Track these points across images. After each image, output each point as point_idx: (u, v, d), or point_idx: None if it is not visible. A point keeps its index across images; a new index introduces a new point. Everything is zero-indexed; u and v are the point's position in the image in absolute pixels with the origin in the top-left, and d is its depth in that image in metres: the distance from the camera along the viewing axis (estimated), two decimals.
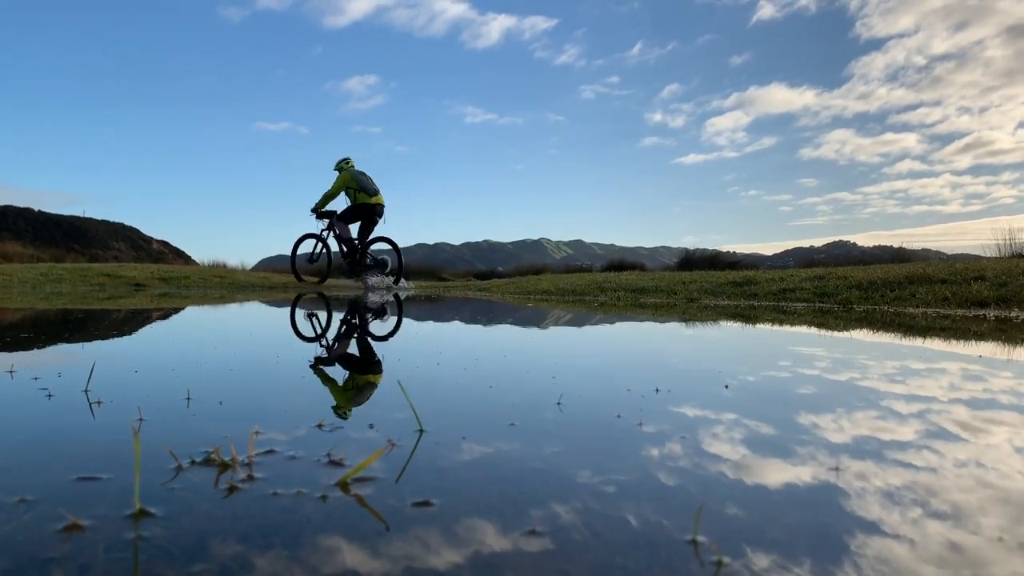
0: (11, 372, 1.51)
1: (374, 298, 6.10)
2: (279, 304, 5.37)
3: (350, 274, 8.68)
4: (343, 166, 8.35)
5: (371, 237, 8.40)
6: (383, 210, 8.30)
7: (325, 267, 8.88)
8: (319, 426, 1.04)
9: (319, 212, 8.47)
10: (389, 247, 8.48)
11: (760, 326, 3.32)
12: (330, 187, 8.31)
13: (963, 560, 0.60)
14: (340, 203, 8.45)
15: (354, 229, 8.39)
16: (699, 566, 0.58)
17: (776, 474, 0.85)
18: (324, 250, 8.68)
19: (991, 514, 0.71)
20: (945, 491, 0.79)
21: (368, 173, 8.28)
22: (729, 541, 0.63)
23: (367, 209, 8.20)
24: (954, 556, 0.61)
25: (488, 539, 0.63)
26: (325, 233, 8.58)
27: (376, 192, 8.22)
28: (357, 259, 8.38)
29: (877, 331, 3.00)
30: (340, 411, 1.19)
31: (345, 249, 8.41)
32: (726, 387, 1.47)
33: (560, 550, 0.61)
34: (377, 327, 3.23)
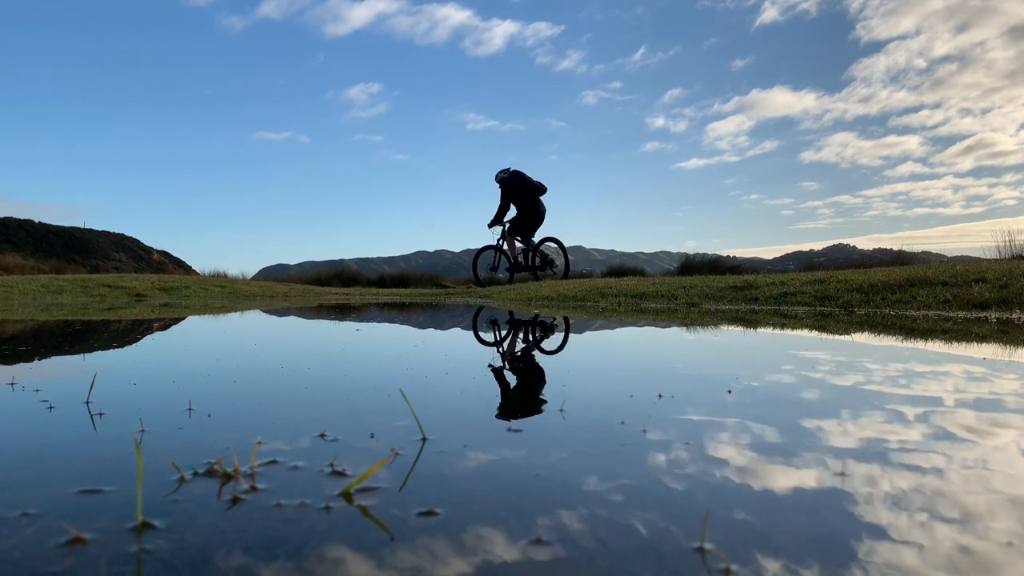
0: (12, 384, 1.50)
1: None
2: (280, 313, 5.37)
3: None
4: None
5: None
6: None
7: None
8: (321, 435, 1.03)
9: None
10: None
11: (762, 330, 3.32)
12: None
13: (973, 566, 0.59)
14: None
15: None
16: (707, 574, 0.57)
17: (782, 479, 0.84)
18: None
19: (1000, 518, 0.71)
20: (953, 495, 0.78)
21: None
22: (737, 548, 0.62)
23: None
24: (964, 561, 0.60)
25: (494, 548, 0.62)
26: None
27: None
28: None
29: (879, 334, 2.99)
30: (342, 420, 1.18)
31: None
32: (729, 392, 1.46)
33: (567, 559, 0.60)
34: (377, 330, 3.22)
